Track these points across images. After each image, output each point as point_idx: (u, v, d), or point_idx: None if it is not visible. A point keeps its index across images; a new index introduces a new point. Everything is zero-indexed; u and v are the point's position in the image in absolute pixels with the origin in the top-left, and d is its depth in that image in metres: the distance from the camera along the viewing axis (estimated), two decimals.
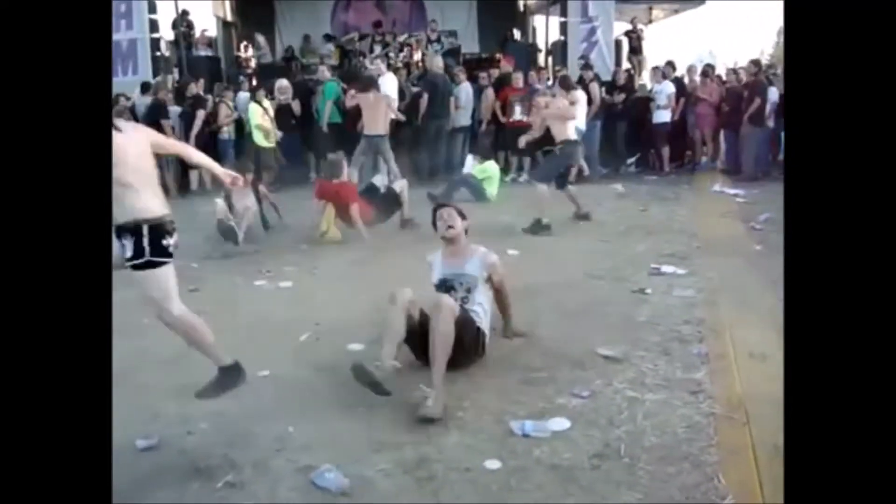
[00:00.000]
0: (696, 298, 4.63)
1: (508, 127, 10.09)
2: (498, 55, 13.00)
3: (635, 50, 13.19)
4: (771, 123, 9.69)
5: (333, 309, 4.62)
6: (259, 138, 9.64)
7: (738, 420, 3.03)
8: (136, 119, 9.99)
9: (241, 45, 14.88)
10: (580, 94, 9.32)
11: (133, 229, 2.93)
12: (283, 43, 14.74)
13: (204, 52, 13.15)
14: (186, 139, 9.79)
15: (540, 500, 2.50)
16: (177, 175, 9.98)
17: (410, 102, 10.18)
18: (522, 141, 7.61)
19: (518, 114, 9.97)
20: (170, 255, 3.05)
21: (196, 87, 10.30)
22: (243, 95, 10.65)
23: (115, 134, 2.77)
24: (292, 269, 5.70)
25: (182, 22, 12.81)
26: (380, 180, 7.74)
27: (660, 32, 18.43)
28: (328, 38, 13.82)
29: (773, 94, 9.69)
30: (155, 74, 11.34)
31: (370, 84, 8.59)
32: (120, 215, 2.88)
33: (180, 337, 3.20)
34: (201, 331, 3.19)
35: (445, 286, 3.73)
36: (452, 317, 3.32)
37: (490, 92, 10.33)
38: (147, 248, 2.96)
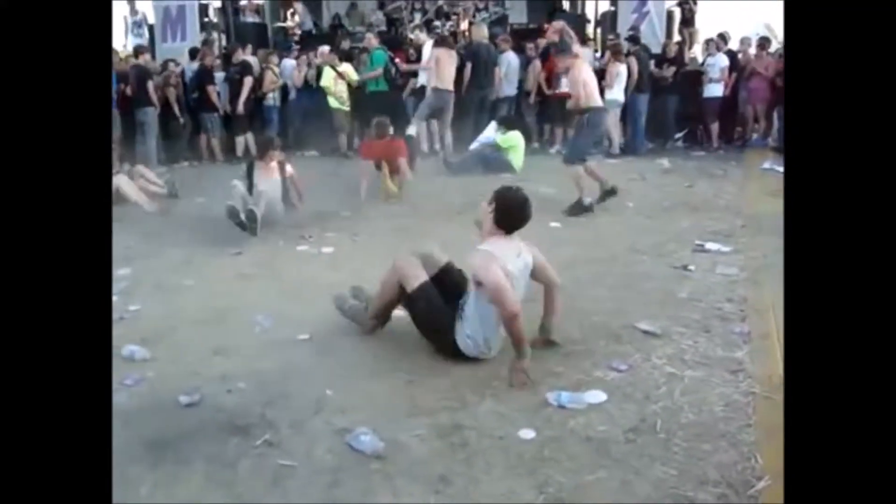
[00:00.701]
0: (740, 277, 4.54)
1: (553, 99, 9.97)
2: (546, 25, 12.78)
3: (687, 21, 12.82)
4: None
5: (374, 275, 4.64)
6: (333, 102, 9.88)
7: (778, 401, 2.97)
8: (184, 84, 10.14)
9: (287, 13, 14.89)
10: (620, 66, 9.24)
11: None
12: (330, 10, 14.69)
13: (251, 18, 13.20)
14: (232, 105, 9.91)
15: (573, 471, 2.50)
16: (223, 140, 10.09)
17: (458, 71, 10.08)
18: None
19: (564, 85, 9.82)
20: None
21: (243, 54, 10.36)
22: (288, 62, 10.68)
23: None
24: (333, 235, 5.75)
25: None
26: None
27: (714, 3, 17.92)
28: (381, 5, 13.71)
29: None
30: (203, 41, 11.43)
31: (446, 41, 9.14)
32: None
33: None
34: None
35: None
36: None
37: (537, 63, 10.19)
38: None
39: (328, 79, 9.90)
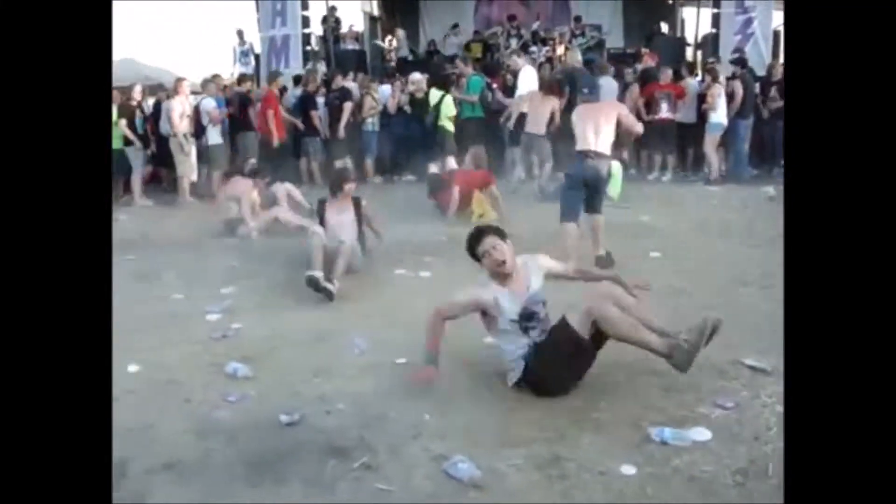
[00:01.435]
0: None
1: (652, 124, 9.76)
2: (643, 50, 12.61)
3: None
4: None
5: None
6: (447, 125, 9.93)
7: None
8: (288, 109, 10.52)
9: (385, 39, 15.29)
10: (720, 89, 9.20)
11: None
12: (427, 36, 15.00)
13: (351, 45, 13.61)
14: (332, 129, 10.21)
15: None
16: (322, 164, 10.37)
17: None
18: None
19: (664, 111, 9.64)
20: None
21: (342, 80, 10.67)
22: (385, 88, 10.92)
23: None
24: (431, 259, 5.77)
25: (331, 17, 13.33)
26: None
27: None
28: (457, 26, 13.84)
29: None
30: (306, 69, 11.86)
31: (548, 84, 8.93)
32: None
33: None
34: None
35: (528, 317, 3.33)
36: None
37: (635, 88, 10.03)
38: None
39: (450, 108, 10.03)
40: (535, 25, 13.87)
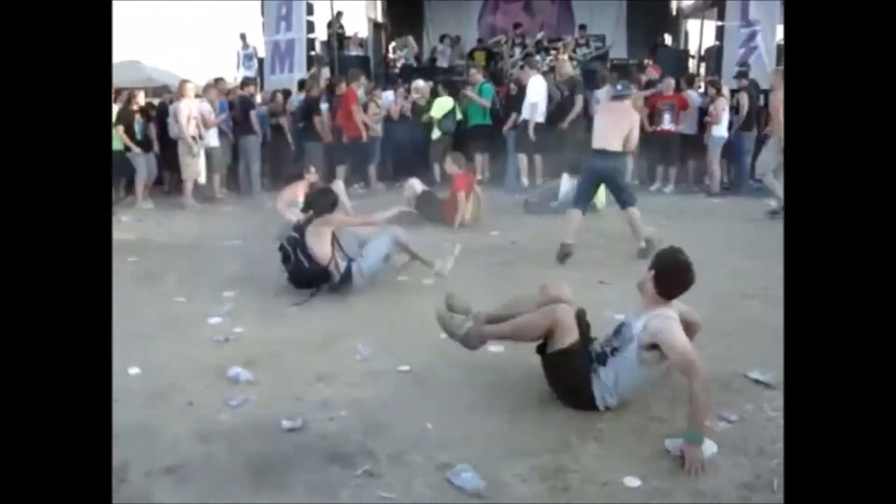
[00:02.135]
0: None
1: (655, 135, 9.77)
2: (646, 61, 12.64)
3: None
4: None
5: (477, 308, 4.62)
6: (436, 133, 10.18)
7: None
8: (293, 114, 10.53)
9: (390, 46, 15.33)
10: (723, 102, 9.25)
11: None
12: (430, 44, 15.04)
13: (355, 51, 13.63)
14: (335, 135, 10.23)
15: None
16: (324, 168, 10.36)
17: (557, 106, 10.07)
18: None
19: (667, 122, 9.64)
20: None
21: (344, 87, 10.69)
22: (387, 95, 10.93)
23: None
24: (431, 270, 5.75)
25: (336, 23, 13.35)
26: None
27: None
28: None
29: None
30: (310, 74, 11.87)
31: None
32: None
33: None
34: None
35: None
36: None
37: (639, 98, 10.02)
38: None
39: (438, 110, 10.09)
40: (539, 35, 13.91)
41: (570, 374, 3.17)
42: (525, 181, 9.42)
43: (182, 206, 9.14)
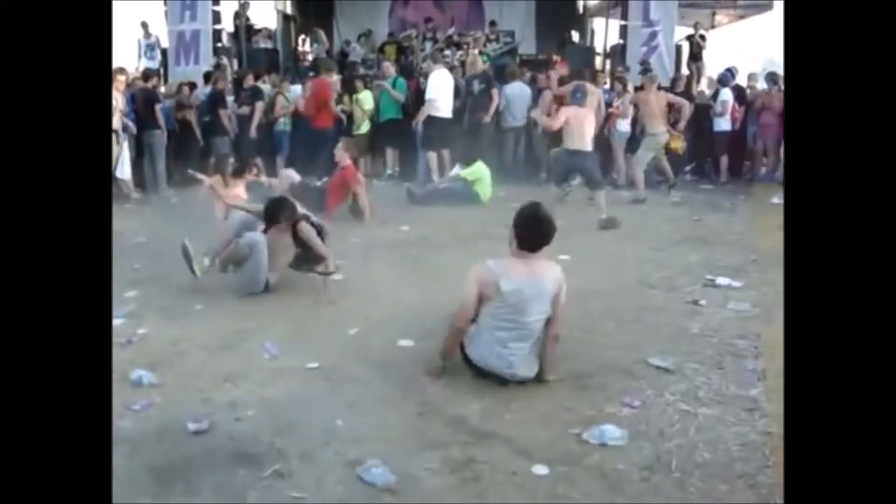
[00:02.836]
0: (752, 312, 4.51)
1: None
2: (555, 57, 12.89)
3: (696, 56, 12.96)
4: None
5: (387, 302, 4.63)
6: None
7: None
8: (198, 108, 10.21)
9: (300, 39, 15.06)
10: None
11: None
12: (341, 37, 14.86)
13: (264, 44, 13.33)
14: (242, 128, 9.99)
15: None
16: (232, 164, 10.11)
17: (466, 100, 10.15)
18: None
19: None
20: None
21: (252, 80, 10.45)
22: (296, 88, 10.76)
23: None
24: (343, 262, 5.70)
25: (243, 14, 13.02)
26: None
27: (722, 38, 18.10)
28: (361, 37, 13.72)
29: None
30: (215, 66, 11.55)
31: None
32: None
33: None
34: None
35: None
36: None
37: (547, 94, 10.21)
38: None
39: (367, 103, 10.05)
40: (450, 30, 13.97)
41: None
42: (436, 177, 9.46)
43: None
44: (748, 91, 10.70)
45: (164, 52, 12.51)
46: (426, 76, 10.25)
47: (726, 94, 10.09)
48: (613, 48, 12.87)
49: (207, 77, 10.75)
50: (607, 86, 10.69)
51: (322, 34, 13.86)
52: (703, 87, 11.90)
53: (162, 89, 10.43)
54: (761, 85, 10.88)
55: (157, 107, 9.56)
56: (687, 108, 8.93)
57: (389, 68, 10.56)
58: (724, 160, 10.28)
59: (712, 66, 12.83)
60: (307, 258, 5.03)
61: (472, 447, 2.83)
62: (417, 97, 10.24)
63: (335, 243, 5.61)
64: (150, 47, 12.83)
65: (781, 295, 4.71)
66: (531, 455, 2.78)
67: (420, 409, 3.15)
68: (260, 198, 5.92)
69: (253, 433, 2.94)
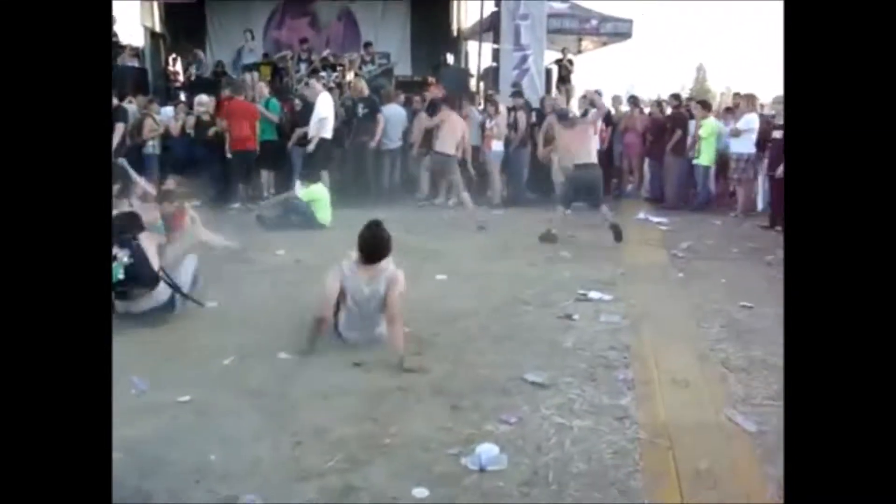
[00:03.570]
0: (622, 324, 4.71)
1: (437, 154, 10.06)
2: (430, 79, 13.08)
3: (564, 79, 13.52)
4: (691, 154, 10.02)
5: (261, 331, 4.49)
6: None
7: (662, 445, 3.08)
8: None
9: (170, 58, 14.54)
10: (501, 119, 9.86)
11: None
12: (214, 57, 14.46)
13: (131, 62, 12.77)
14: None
15: None
16: None
17: (346, 123, 10.10)
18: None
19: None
20: None
21: (115, 99, 9.95)
22: (166, 110, 10.37)
23: None
24: (217, 289, 5.50)
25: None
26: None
27: (588, 63, 18.99)
28: (246, 67, 13.41)
29: (693, 126, 10.04)
30: None
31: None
32: None
33: None
34: None
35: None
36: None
37: (423, 116, 10.33)
38: None
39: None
40: (325, 52, 13.90)
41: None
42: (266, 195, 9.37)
43: None
44: (612, 113, 11.25)
45: None
46: (302, 98, 10.15)
47: (594, 116, 10.54)
48: (486, 70, 13.22)
49: None
50: (481, 107, 10.93)
51: (202, 54, 13.45)
52: (573, 108, 12.40)
53: None
54: (624, 107, 11.47)
55: None
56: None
57: (263, 89, 10.37)
58: None
59: (580, 89, 13.40)
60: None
61: (350, 474, 2.78)
62: (293, 118, 10.10)
63: (210, 271, 5.44)
64: None
65: (648, 306, 5.00)
66: (411, 478, 2.76)
67: (295, 437, 3.07)
68: None
69: (118, 478, 2.75)
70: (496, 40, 12.54)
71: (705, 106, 10.30)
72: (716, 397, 3.58)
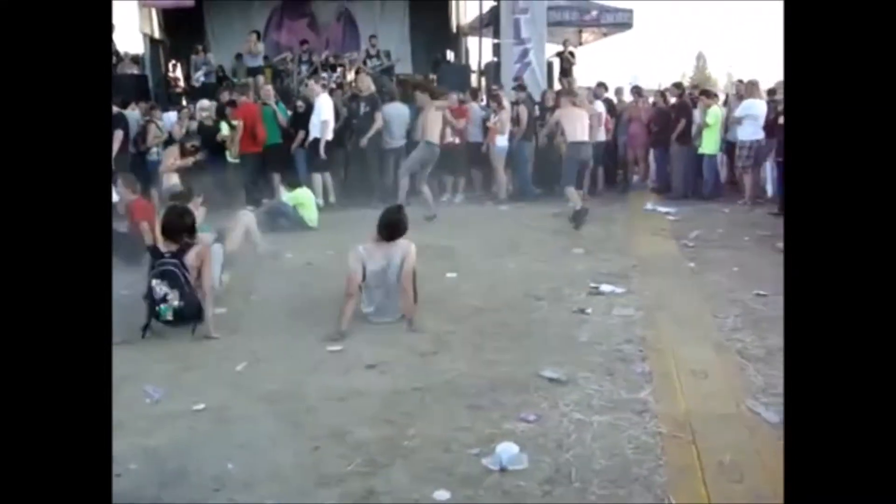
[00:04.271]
0: (636, 317, 4.68)
1: (442, 149, 10.02)
2: (430, 76, 13.03)
3: (566, 71, 13.43)
4: (695, 143, 9.95)
5: (272, 335, 4.46)
6: (229, 156, 9.70)
7: (685, 438, 3.04)
8: None
9: (170, 64, 14.51)
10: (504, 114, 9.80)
11: None
12: (214, 62, 14.42)
13: (130, 70, 12.74)
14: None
15: None
16: None
17: (348, 122, 10.06)
18: None
19: (449, 135, 9.90)
20: None
21: (116, 107, 9.92)
22: (169, 116, 10.34)
23: None
24: (228, 295, 5.47)
25: None
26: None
27: (589, 55, 18.91)
28: (251, 71, 13.37)
29: (696, 115, 9.97)
30: None
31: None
32: None
33: None
34: None
35: None
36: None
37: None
38: None
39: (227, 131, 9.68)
40: (325, 53, 13.86)
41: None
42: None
43: None
44: (616, 104, 11.18)
45: None
46: (304, 100, 10.11)
47: (599, 107, 10.50)
48: (488, 66, 13.16)
49: None
50: (483, 102, 10.88)
51: (211, 57, 13.41)
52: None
53: None
54: (628, 98, 11.40)
55: None
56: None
57: (270, 92, 10.32)
58: (600, 170, 10.66)
59: (582, 80, 13.32)
60: None
61: (371, 478, 2.76)
62: (296, 121, 10.06)
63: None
64: None
65: (661, 298, 4.96)
66: (432, 480, 2.73)
67: (314, 442, 3.04)
68: None
69: (135, 488, 2.74)
70: (496, 35, 12.48)
71: (709, 94, 10.22)
72: (735, 388, 3.54)
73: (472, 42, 14.96)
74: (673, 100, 10.55)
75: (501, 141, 9.88)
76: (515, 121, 10.00)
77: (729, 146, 9.88)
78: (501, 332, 4.44)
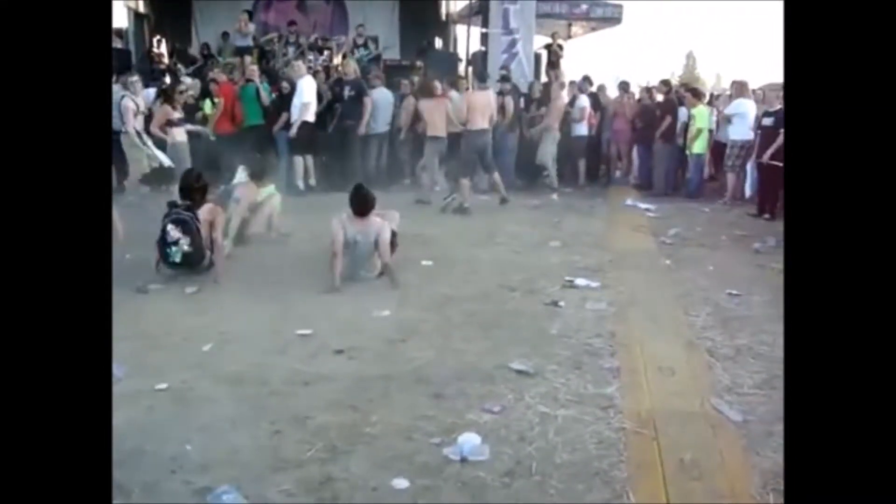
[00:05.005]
0: (608, 312, 4.67)
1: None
2: (418, 63, 12.94)
3: (553, 64, 13.39)
4: (680, 141, 9.97)
5: (237, 319, 4.41)
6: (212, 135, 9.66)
7: (647, 435, 3.04)
8: None
9: (154, 39, 14.32)
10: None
11: None
12: (200, 39, 14.25)
13: (113, 44, 12.54)
14: None
15: None
16: None
17: (330, 106, 9.98)
18: None
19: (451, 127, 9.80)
20: None
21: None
22: (150, 92, 10.19)
23: None
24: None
25: None
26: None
27: (577, 48, 18.90)
28: (239, 50, 13.19)
29: (683, 113, 9.98)
30: None
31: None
32: None
33: None
34: None
35: None
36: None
37: (410, 99, 10.21)
38: None
39: (210, 109, 9.56)
40: (313, 36, 13.72)
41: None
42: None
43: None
44: (601, 99, 11.17)
45: None
46: (289, 80, 10.00)
47: (583, 101, 10.47)
48: (475, 55, 13.08)
49: None
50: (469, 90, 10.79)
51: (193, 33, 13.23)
52: (563, 94, 12.30)
53: None
54: (613, 93, 11.39)
55: None
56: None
57: (255, 71, 10.20)
58: (582, 164, 10.65)
59: (570, 74, 13.29)
60: None
61: (329, 465, 2.73)
62: (280, 102, 9.95)
63: None
64: None
65: (634, 293, 4.96)
66: (391, 469, 2.71)
67: (273, 426, 3.01)
68: None
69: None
70: (485, 24, 12.40)
71: (696, 94, 10.22)
72: (701, 386, 3.55)
73: (460, 30, 14.89)
74: (660, 97, 10.55)
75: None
76: (501, 111, 9.95)
77: (717, 145, 9.90)
78: (472, 321, 4.42)
